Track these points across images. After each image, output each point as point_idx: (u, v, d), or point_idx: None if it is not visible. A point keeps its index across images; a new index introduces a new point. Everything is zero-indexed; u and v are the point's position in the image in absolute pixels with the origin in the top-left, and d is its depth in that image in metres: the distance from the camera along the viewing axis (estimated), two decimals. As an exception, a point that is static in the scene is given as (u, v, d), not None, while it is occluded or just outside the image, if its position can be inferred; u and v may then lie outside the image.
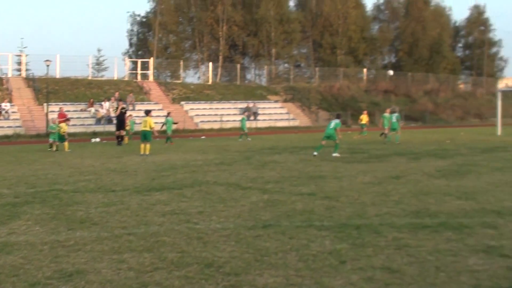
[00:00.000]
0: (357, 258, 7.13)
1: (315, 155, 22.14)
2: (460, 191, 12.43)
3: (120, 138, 33.01)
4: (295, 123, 59.60)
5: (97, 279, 6.51)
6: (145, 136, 25.14)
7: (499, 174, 15.84)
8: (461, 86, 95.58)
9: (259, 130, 54.19)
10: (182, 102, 58.29)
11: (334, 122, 23.43)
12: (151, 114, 26.60)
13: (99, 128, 46.69)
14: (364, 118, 40.08)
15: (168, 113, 38.12)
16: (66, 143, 28.35)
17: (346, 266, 6.81)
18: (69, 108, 47.89)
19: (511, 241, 7.78)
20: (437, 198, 11.61)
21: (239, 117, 55.37)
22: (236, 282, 6.24)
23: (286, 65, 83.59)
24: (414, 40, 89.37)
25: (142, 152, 24.53)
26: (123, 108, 34.47)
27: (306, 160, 21.14)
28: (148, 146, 24.82)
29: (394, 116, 32.13)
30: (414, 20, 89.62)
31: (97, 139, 39.21)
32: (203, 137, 40.29)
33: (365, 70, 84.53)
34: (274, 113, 61.29)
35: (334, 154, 22.39)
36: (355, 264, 6.86)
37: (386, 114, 36.21)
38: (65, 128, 29.10)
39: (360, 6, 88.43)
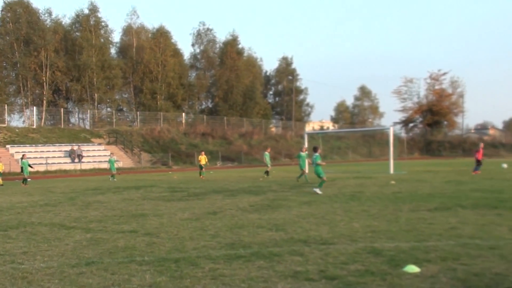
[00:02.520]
0: (175, 289, 7.10)
1: (319, 194, 21.17)
2: (271, 223, 12.76)
3: None
4: (119, 164, 58.65)
5: None
6: None
7: (306, 207, 16.47)
8: (273, 129, 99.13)
9: (83, 172, 52.93)
10: (8, 146, 56.00)
11: (315, 156, 22.26)
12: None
13: None
14: (203, 159, 39.21)
15: (23, 156, 36.44)
16: None
17: (164, 298, 6.75)
18: None
19: (315, 266, 8.08)
20: (250, 230, 11.82)
21: (64, 160, 54.02)
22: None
23: (108, 109, 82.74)
24: (229, 87, 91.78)
25: None
26: None
27: (128, 199, 20.85)
28: None
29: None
30: (229, 69, 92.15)
31: None
32: (28, 179, 38.62)
33: (183, 114, 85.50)
34: (98, 155, 60.29)
35: (316, 189, 21.59)
36: (174, 295, 6.82)
37: (302, 153, 36.36)
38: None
39: (178, 55, 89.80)
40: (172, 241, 10.75)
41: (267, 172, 36.46)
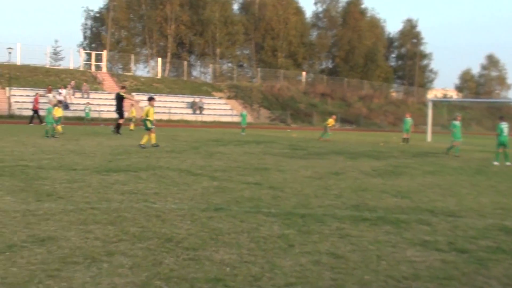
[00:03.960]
0: (304, 243, 7.23)
1: (495, 164, 21.36)
2: (395, 190, 12.66)
3: (118, 126, 30.96)
4: (238, 119, 59.84)
5: (67, 245, 6.56)
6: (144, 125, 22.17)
7: (431, 176, 16.17)
8: (393, 94, 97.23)
9: (204, 124, 54.25)
10: (133, 93, 58.11)
11: (506, 127, 22.22)
12: (152, 102, 23.06)
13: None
14: (331, 122, 37.57)
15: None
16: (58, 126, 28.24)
17: (294, 249, 6.89)
18: (29, 93, 49.21)
19: (444, 238, 7.97)
20: (374, 194, 11.80)
21: (186, 110, 55.62)
22: (194, 256, 6.30)
23: (229, 64, 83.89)
24: (351, 48, 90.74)
25: (142, 143, 21.60)
26: (122, 94, 31.96)
27: (250, 153, 21.28)
28: (147, 136, 21.85)
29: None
30: (351, 29, 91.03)
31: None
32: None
33: (304, 73, 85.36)
34: (219, 108, 61.61)
35: (495, 163, 21.53)
36: (303, 248, 6.94)
37: (408, 119, 36.39)
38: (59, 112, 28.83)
39: (300, 13, 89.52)
40: (297, 197, 10.92)
41: (406, 140, 35.35)
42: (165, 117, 53.79)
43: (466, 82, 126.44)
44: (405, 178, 15.30)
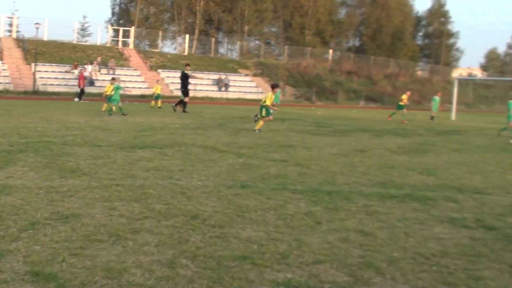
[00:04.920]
0: (332, 220, 7.18)
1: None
2: (422, 167, 12.55)
3: (184, 105, 30.11)
4: (264, 96, 59.79)
5: (91, 222, 6.51)
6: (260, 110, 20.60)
7: (456, 154, 16.06)
8: (419, 72, 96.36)
9: (229, 101, 54.17)
10: (159, 70, 58.20)
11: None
12: (275, 90, 22.10)
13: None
14: (405, 99, 33.36)
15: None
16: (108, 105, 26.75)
17: (322, 226, 6.85)
18: (54, 69, 50.06)
19: (472, 215, 7.90)
20: (400, 172, 11.70)
21: (211, 88, 55.39)
22: (221, 234, 6.25)
23: (257, 41, 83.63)
24: (378, 26, 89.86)
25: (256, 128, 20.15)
26: (186, 72, 31.14)
27: (275, 130, 21.10)
28: (261, 122, 20.37)
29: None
30: (379, 7, 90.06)
31: (77, 99, 39.45)
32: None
33: (331, 51, 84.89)
34: (244, 85, 61.48)
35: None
36: (330, 226, 6.89)
37: (437, 97, 36.72)
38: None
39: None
40: (323, 174, 10.86)
41: (431, 117, 35.71)
42: (190, 94, 53.64)
43: (492, 61, 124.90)
44: (430, 156, 15.19)
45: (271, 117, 20.74)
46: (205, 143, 15.32)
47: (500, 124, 27.58)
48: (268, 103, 20.33)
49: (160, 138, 15.93)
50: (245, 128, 21.32)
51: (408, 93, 34.22)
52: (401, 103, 33.17)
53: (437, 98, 36.87)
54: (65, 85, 47.80)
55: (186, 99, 30.50)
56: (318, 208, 7.81)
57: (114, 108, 26.08)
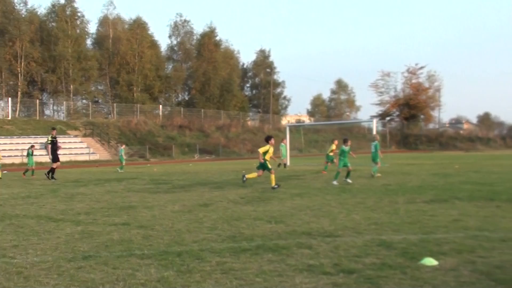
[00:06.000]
0: (187, 284, 6.65)
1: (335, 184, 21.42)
2: (268, 215, 12.40)
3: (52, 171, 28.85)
4: (95, 157, 58.35)
5: None
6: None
7: (299, 199, 16.16)
8: (250, 122, 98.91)
9: (60, 164, 52.03)
10: (-18, 138, 54.92)
11: (373, 145, 25.89)
12: (272, 141, 21.11)
13: None
14: (334, 148, 30.14)
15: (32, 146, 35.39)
16: None
17: (177, 293, 6.34)
18: None
19: (328, 260, 7.74)
20: (248, 222, 11.44)
21: (40, 152, 53.00)
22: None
23: (84, 101, 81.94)
24: (206, 79, 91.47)
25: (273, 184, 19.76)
26: (53, 138, 29.97)
27: (112, 191, 20.29)
28: (272, 176, 20.13)
29: (373, 146, 26.92)
30: (206, 61, 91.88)
31: None
32: (5, 171, 37.52)
33: (160, 106, 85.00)
34: (75, 147, 59.52)
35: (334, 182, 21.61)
36: (186, 290, 6.41)
37: (283, 144, 37.61)
38: None
39: (155, 47, 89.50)
40: (169, 234, 10.32)
41: (283, 165, 36.49)
42: (17, 160, 51.02)
43: (318, 107, 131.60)
44: (274, 203, 15.15)
45: (260, 172, 21.12)
46: (38, 212, 14.18)
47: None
48: (267, 157, 20.62)
49: (-14, 211, 14.60)
50: (80, 192, 20.28)
51: (336, 141, 30.69)
52: (331, 154, 30.56)
53: (283, 144, 37.82)
54: None
55: (55, 165, 29.07)
56: (170, 272, 7.25)
57: None
